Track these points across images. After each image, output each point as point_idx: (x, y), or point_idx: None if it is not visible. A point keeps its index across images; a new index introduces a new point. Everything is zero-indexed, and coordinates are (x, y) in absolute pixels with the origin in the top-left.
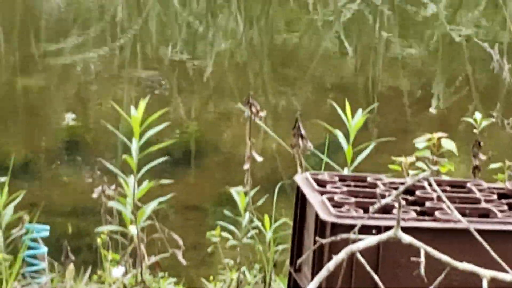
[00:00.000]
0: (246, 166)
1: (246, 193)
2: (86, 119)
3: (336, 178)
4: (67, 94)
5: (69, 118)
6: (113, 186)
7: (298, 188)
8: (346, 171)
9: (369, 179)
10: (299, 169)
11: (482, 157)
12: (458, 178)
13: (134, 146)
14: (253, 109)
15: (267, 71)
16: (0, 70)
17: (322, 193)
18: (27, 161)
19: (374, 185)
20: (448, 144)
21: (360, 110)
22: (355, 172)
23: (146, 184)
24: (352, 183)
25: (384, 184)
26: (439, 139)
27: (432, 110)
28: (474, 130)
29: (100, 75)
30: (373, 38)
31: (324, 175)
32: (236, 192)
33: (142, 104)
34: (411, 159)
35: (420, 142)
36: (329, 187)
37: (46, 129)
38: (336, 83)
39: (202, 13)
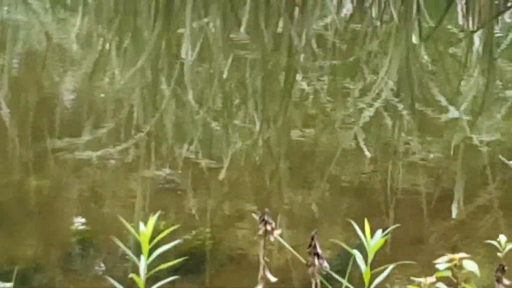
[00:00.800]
0: (260, 287)
1: None
2: (96, 225)
3: None
4: (77, 196)
5: (79, 222)
6: None
7: None
8: None
9: None
10: None
11: (507, 282)
12: None
13: (143, 264)
14: (268, 227)
15: (283, 172)
16: (9, 168)
17: None
18: (32, 267)
19: None
20: (470, 266)
21: (379, 231)
22: None
23: None
24: None
25: None
26: (460, 259)
27: (454, 216)
28: (498, 254)
29: (112, 175)
30: (392, 141)
31: None
32: None
33: (152, 220)
34: (431, 279)
35: (441, 262)
36: None
37: (54, 234)
38: (354, 186)
39: (219, 111)
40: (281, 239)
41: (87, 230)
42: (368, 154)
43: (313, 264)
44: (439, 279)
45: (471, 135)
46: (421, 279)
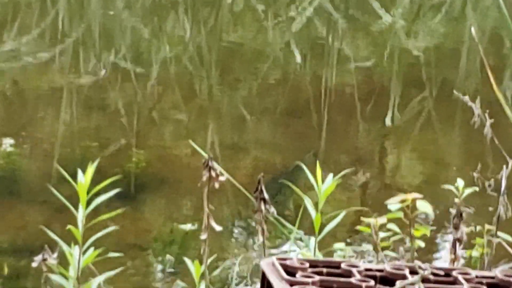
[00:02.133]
0: (204, 236)
1: (201, 262)
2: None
3: (307, 264)
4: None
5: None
6: (55, 254)
7: (263, 275)
8: (313, 241)
9: (343, 265)
10: (261, 238)
11: (465, 228)
12: (443, 266)
13: (80, 215)
14: (212, 173)
15: (214, 77)
16: None
17: (291, 284)
18: None
19: (349, 273)
20: (424, 207)
21: (331, 176)
22: (327, 257)
23: (91, 252)
24: (325, 270)
25: (359, 272)
26: (413, 200)
27: (388, 122)
28: (456, 200)
29: (39, 83)
30: (325, 48)
31: (294, 261)
32: (190, 262)
33: (90, 170)
34: (382, 220)
35: (393, 203)
36: (299, 276)
37: None
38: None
39: (148, 16)
40: (229, 176)
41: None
42: (298, 58)
43: (259, 210)
44: (391, 220)
45: (406, 41)
46: (371, 220)
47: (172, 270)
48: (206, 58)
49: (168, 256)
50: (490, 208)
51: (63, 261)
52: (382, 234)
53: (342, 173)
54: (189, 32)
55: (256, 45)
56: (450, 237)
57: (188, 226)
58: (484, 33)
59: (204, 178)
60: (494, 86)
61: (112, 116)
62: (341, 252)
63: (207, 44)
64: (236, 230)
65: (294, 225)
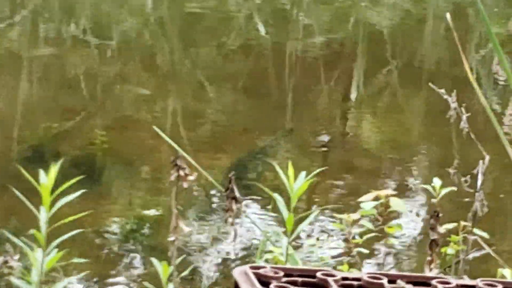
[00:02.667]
0: (172, 238)
1: (169, 263)
2: None
3: (281, 273)
4: None
5: None
6: (17, 256)
7: (236, 285)
8: (285, 241)
9: (319, 274)
10: (232, 239)
11: (441, 230)
12: (422, 274)
13: (44, 217)
14: (181, 172)
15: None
16: None
17: None
18: None
19: (325, 282)
20: (397, 204)
21: (303, 174)
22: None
23: (54, 254)
24: (300, 280)
25: (336, 281)
26: (387, 197)
27: (353, 96)
28: (433, 200)
29: None
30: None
31: (267, 270)
32: (158, 262)
33: (53, 170)
34: (355, 216)
35: (366, 201)
36: (273, 286)
37: None
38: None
39: None
40: (197, 166)
41: None
42: (263, 31)
43: (230, 209)
44: (364, 217)
45: (370, 14)
46: (344, 216)
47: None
48: (168, 29)
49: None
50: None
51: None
52: (354, 231)
53: (314, 172)
54: (151, 2)
55: (219, 14)
56: None
57: (152, 212)
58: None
59: (173, 178)
60: (466, 65)
61: (72, 90)
62: (312, 248)
63: (169, 15)
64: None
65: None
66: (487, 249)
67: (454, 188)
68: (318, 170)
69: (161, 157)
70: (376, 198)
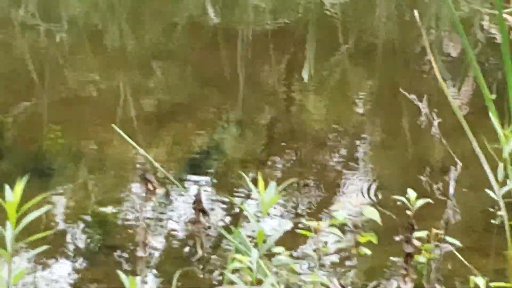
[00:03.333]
0: (141, 254)
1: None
2: None
3: None
4: None
5: None
6: None
7: None
8: (255, 254)
9: None
10: (199, 252)
11: (417, 242)
12: None
13: (9, 235)
14: (150, 186)
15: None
16: None
17: None
18: None
19: None
20: (371, 214)
21: (273, 184)
22: None
23: (20, 269)
24: None
25: None
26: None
27: (305, 78)
28: (407, 212)
29: None
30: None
31: None
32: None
33: (19, 187)
34: (324, 224)
35: (338, 210)
36: None
37: None
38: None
39: None
40: (153, 162)
41: None
42: (214, 21)
43: (197, 222)
44: (334, 225)
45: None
46: (313, 223)
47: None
48: (117, 12)
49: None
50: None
51: None
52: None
53: (286, 183)
54: None
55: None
56: None
57: (109, 209)
58: None
59: (142, 193)
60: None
61: (21, 78)
62: (281, 257)
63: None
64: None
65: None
66: (459, 257)
67: (430, 201)
68: (289, 181)
69: (118, 151)
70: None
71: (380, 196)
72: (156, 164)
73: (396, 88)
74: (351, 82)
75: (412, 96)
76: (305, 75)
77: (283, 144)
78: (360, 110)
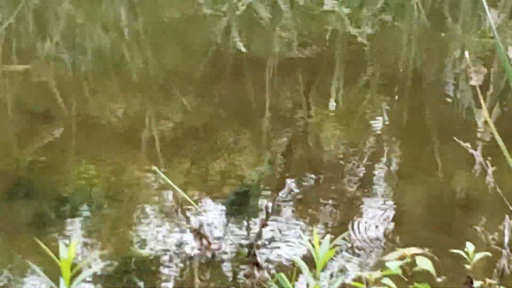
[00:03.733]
0: None
1: None
2: None
3: None
4: None
5: None
6: None
7: None
8: None
9: None
10: None
11: None
12: None
13: None
14: (204, 241)
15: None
16: None
17: None
18: None
19: None
20: (424, 264)
21: (327, 239)
22: None
23: None
24: None
25: None
26: (413, 256)
27: (332, 106)
28: (466, 266)
29: None
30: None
31: None
32: None
33: (73, 245)
34: (377, 275)
35: (391, 260)
36: None
37: None
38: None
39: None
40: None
41: None
42: (241, 49)
43: (252, 275)
44: (387, 275)
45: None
46: (366, 274)
47: None
48: (141, 40)
49: None
50: None
51: None
52: None
53: (340, 237)
54: (125, 16)
55: (195, 25)
56: None
57: (161, 267)
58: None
59: (196, 249)
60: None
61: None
62: None
63: (144, 28)
64: None
65: None
66: None
67: (489, 254)
68: (342, 235)
69: (155, 192)
70: (402, 257)
71: (434, 246)
72: (193, 203)
73: (437, 126)
74: (385, 117)
75: (466, 144)
76: (332, 104)
77: (328, 185)
78: (397, 148)
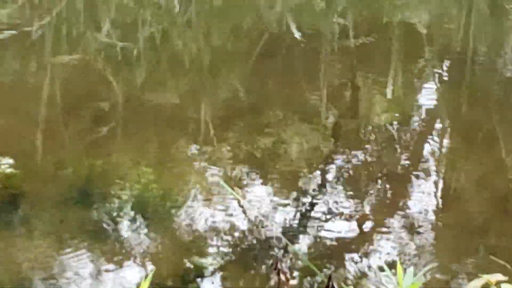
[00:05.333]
0: None
1: None
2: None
3: None
4: None
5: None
6: None
7: None
8: None
9: None
10: None
11: None
12: None
13: None
14: (282, 277)
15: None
16: None
17: None
18: None
19: None
20: None
21: (411, 270)
22: None
23: None
24: None
25: None
26: (498, 283)
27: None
28: None
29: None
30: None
31: None
32: None
33: (147, 282)
34: None
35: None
36: None
37: None
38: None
39: None
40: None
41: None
42: (296, 35)
43: None
44: None
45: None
46: None
47: None
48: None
49: None
50: None
51: None
52: None
53: (426, 268)
54: (178, 4)
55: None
56: None
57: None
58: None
59: (273, 282)
60: None
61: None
62: None
63: (196, 13)
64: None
65: None
66: None
67: None
68: (427, 268)
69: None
70: (487, 285)
71: None
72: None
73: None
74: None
75: None
76: (389, 93)
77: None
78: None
